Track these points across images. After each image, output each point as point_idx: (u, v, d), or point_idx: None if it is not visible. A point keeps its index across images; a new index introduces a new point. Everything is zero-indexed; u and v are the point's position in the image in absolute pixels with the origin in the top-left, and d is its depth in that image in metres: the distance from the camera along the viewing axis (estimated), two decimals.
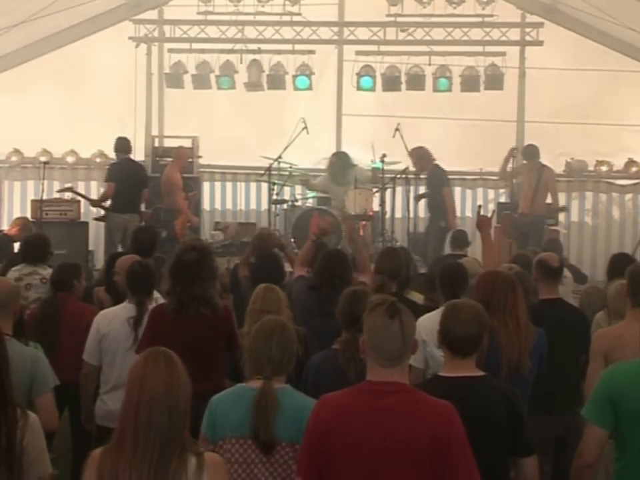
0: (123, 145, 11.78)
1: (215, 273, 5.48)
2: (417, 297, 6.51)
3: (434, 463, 3.28)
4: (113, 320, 5.80)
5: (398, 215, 12.71)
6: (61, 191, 12.15)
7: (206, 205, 13.77)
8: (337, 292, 5.66)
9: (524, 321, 4.80)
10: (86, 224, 12.37)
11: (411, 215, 12.23)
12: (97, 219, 12.12)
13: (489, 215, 6.82)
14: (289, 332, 4.10)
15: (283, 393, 3.95)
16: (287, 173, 12.65)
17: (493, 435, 3.86)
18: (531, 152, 12.16)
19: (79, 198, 12.22)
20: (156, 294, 6.30)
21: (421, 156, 11.94)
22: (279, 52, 13.31)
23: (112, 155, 13.38)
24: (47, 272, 7.21)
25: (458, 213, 13.46)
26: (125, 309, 5.81)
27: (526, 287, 5.84)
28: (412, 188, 12.30)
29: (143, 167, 12.12)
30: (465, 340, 3.94)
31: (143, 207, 11.92)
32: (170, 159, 12.62)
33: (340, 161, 12.63)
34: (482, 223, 6.34)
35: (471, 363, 3.99)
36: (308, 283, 6.26)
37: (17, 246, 10.27)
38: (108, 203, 11.69)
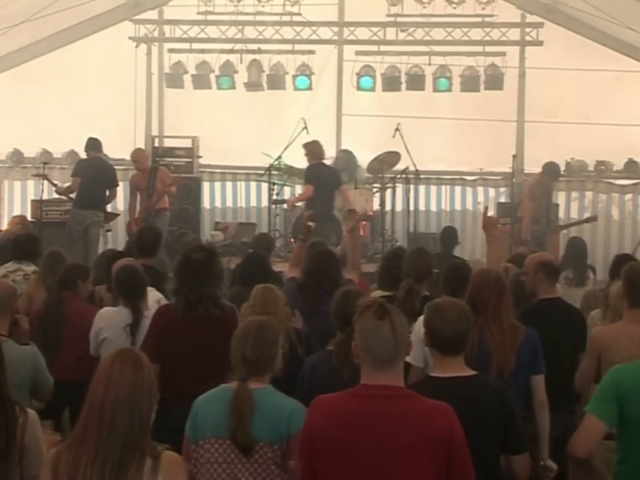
0: (92, 144, 11.79)
1: (222, 273, 5.46)
2: None
3: (433, 468, 3.25)
4: (109, 327, 5.84)
5: (398, 214, 12.71)
6: (36, 175, 12.18)
7: (206, 205, 13.77)
8: (325, 291, 5.65)
9: (508, 322, 4.79)
10: None
11: (411, 214, 12.22)
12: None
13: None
14: (266, 332, 4.03)
15: (262, 393, 3.91)
16: (285, 167, 12.64)
17: (486, 434, 3.86)
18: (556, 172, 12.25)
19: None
20: (158, 295, 6.31)
21: (310, 150, 11.69)
22: (279, 52, 13.32)
23: (112, 154, 13.46)
24: (31, 269, 7.35)
25: (459, 205, 13.54)
26: (121, 314, 5.82)
27: (524, 287, 5.85)
28: (412, 187, 12.29)
29: (112, 167, 12.05)
30: (455, 338, 3.94)
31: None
32: (169, 159, 12.71)
33: (346, 159, 12.64)
34: (488, 223, 6.25)
35: (461, 361, 3.99)
36: (297, 283, 6.25)
37: None
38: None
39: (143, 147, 13.42)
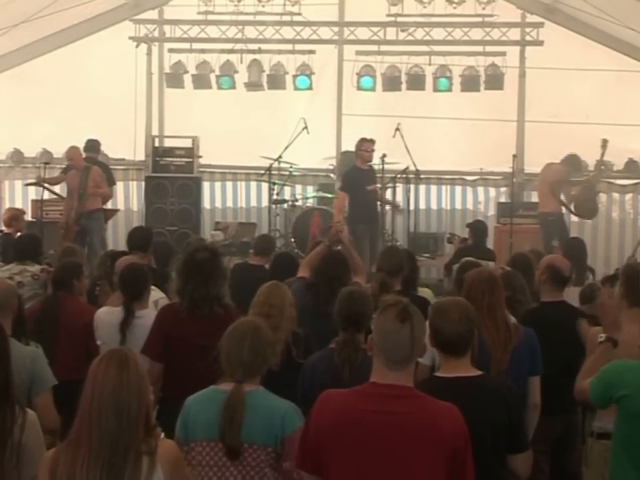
0: (89, 146, 12.03)
1: (226, 273, 5.47)
2: (426, 293, 6.52)
3: (438, 468, 3.25)
4: (103, 328, 5.86)
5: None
6: (29, 184, 12.28)
7: (206, 205, 13.77)
8: (334, 293, 5.65)
9: (502, 319, 4.79)
10: None
11: (411, 214, 12.22)
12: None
13: None
14: (262, 334, 4.02)
15: (255, 395, 3.89)
16: (287, 173, 12.67)
17: (491, 434, 3.85)
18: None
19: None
20: (159, 294, 6.30)
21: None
22: (279, 52, 13.32)
23: (112, 154, 13.45)
24: (36, 268, 7.31)
25: (459, 205, 13.57)
26: (115, 313, 5.82)
27: (514, 286, 5.83)
28: (412, 187, 12.29)
29: (106, 166, 12.16)
30: (457, 339, 3.92)
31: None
32: (169, 159, 12.72)
33: (349, 160, 12.65)
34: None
35: (466, 361, 3.98)
36: (306, 282, 6.26)
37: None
38: None
39: (142, 147, 13.46)
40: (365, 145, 11.41)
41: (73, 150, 11.77)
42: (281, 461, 3.82)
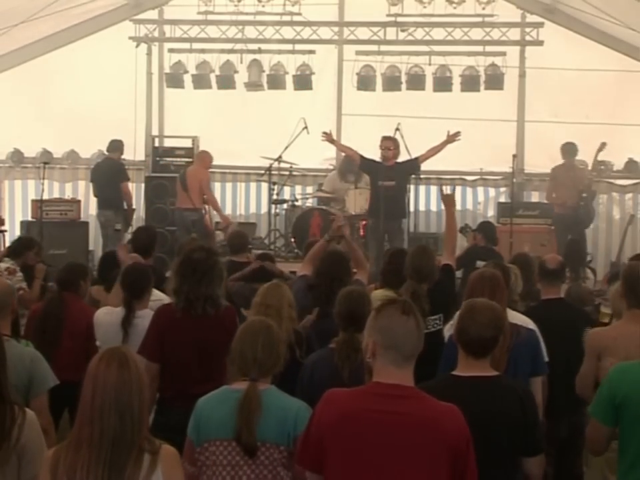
0: (108, 146, 12.32)
1: (222, 273, 5.46)
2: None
3: (440, 471, 3.25)
4: (106, 329, 5.86)
5: None
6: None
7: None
8: (335, 293, 5.67)
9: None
10: (86, 224, 12.45)
11: (411, 214, 12.20)
12: None
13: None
14: (274, 333, 4.04)
15: (268, 394, 3.90)
16: (287, 173, 12.66)
17: (505, 435, 3.85)
18: (571, 150, 12.28)
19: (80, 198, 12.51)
20: (159, 295, 6.31)
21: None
22: (279, 52, 13.33)
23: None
24: (8, 264, 7.45)
25: (459, 206, 13.58)
26: (115, 313, 5.83)
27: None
28: (412, 187, 12.28)
29: (116, 163, 12.24)
30: (479, 342, 3.91)
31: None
32: (169, 159, 12.77)
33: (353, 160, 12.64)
34: (447, 199, 6.53)
35: (485, 363, 3.96)
36: (307, 283, 6.26)
37: None
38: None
39: (142, 146, 13.47)
40: (382, 143, 11.44)
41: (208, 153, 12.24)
42: (294, 459, 3.81)
